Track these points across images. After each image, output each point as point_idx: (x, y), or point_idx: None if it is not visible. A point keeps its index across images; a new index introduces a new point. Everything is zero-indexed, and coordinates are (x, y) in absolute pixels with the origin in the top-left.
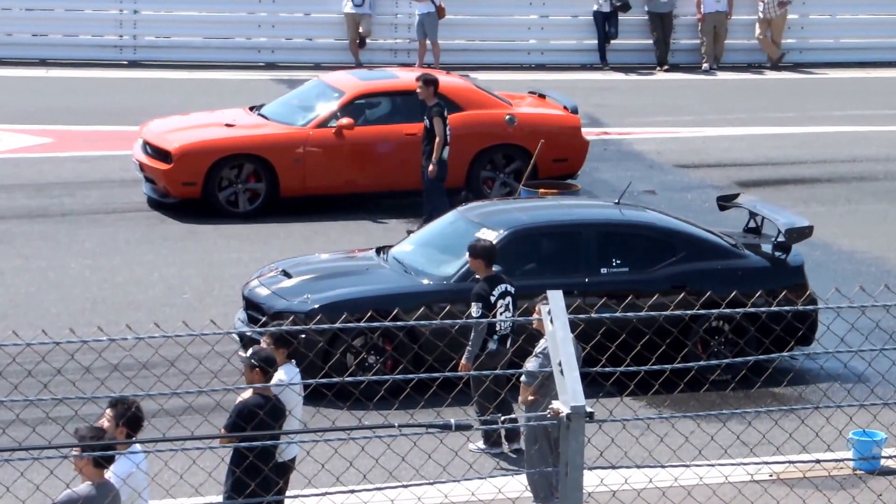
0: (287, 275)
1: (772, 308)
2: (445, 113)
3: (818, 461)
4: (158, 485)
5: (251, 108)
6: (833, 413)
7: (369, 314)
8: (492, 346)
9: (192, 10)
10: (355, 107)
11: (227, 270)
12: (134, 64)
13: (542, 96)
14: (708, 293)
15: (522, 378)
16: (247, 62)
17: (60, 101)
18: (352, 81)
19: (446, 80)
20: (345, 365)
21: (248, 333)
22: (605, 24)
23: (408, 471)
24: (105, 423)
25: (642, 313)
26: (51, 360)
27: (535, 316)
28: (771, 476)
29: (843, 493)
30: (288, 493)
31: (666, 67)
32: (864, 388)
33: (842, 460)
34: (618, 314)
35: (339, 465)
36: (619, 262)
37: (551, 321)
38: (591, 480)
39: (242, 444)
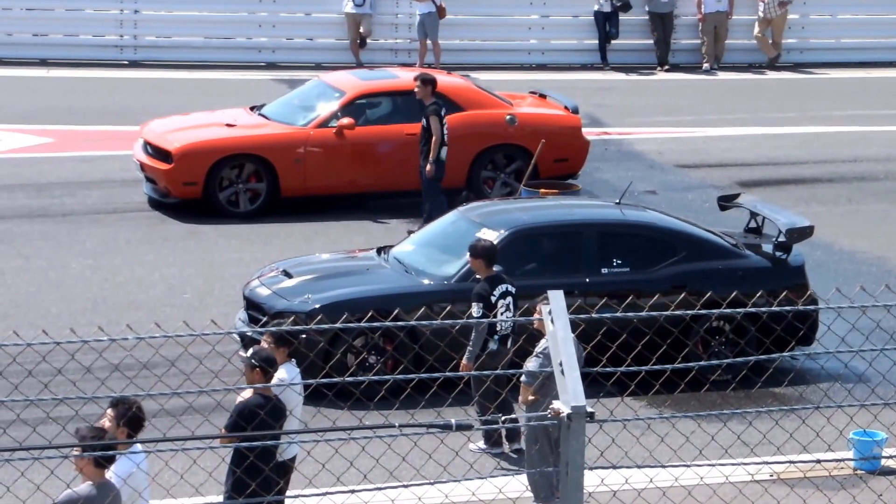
0: (288, 275)
1: (772, 308)
2: (443, 112)
3: (819, 461)
4: (159, 485)
5: (252, 108)
6: (834, 413)
7: (370, 314)
8: (492, 346)
9: (192, 10)
10: (356, 107)
11: (227, 270)
12: (134, 64)
13: (542, 96)
14: (709, 293)
15: (523, 378)
16: (247, 62)
17: (61, 101)
18: (352, 81)
19: (447, 80)
20: (345, 365)
21: (249, 333)
22: (606, 24)
23: (408, 471)
24: (106, 423)
25: (643, 313)
26: (51, 360)
27: (536, 316)
28: (771, 476)
29: (843, 493)
30: (288, 492)
31: (666, 67)
32: (865, 388)
33: (842, 460)
34: (618, 314)
35: (340, 465)
36: (619, 262)
37: (552, 321)
38: (591, 480)
39: (243, 444)
